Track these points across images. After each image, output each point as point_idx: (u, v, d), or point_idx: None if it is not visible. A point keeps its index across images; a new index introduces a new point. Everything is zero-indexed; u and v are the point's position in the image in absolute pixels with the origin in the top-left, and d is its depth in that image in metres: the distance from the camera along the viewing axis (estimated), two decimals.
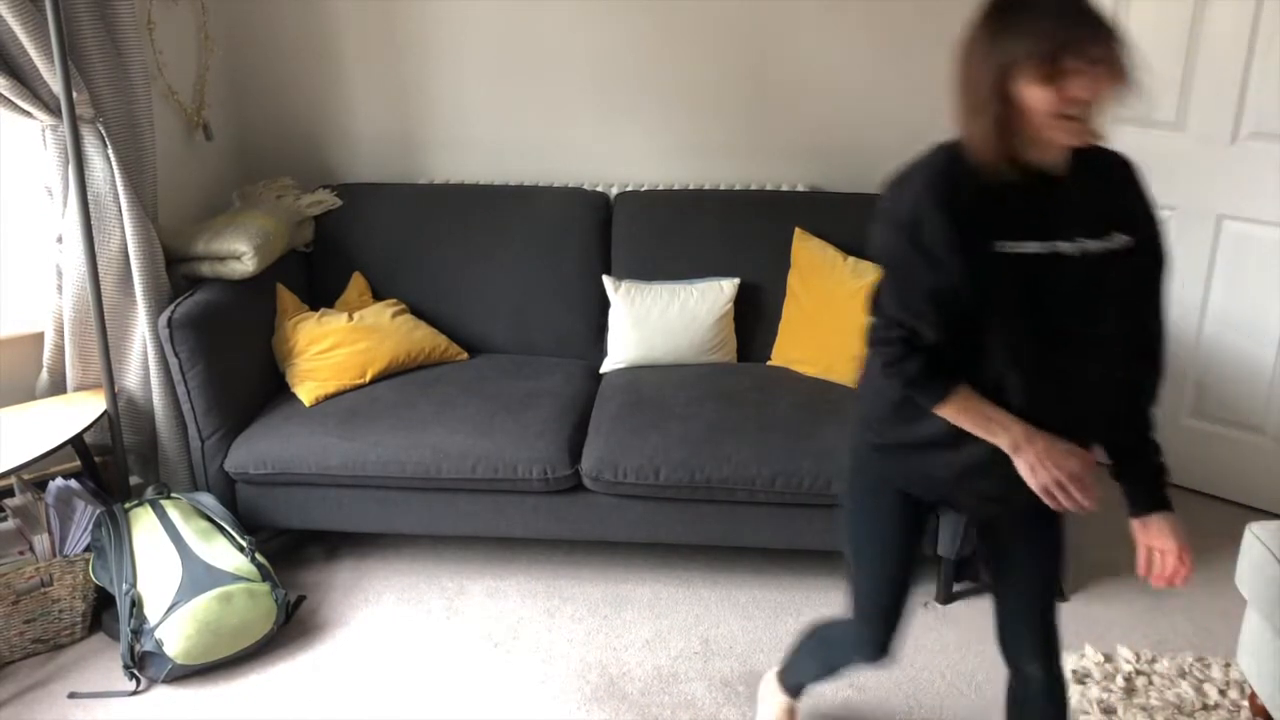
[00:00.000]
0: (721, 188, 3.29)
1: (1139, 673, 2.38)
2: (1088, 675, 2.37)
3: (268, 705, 2.34)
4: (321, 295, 3.12)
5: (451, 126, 3.37)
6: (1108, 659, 2.42)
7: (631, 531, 2.67)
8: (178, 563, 2.42)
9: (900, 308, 1.53)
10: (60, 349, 2.75)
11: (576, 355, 3.09)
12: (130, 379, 2.79)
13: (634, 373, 2.94)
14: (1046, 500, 1.52)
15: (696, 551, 2.84)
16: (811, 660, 2.03)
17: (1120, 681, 2.34)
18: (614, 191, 3.25)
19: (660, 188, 3.29)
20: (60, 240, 2.65)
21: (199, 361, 2.62)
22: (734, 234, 3.07)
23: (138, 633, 2.36)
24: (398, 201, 3.20)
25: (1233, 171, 2.87)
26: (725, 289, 2.97)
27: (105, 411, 2.62)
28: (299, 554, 2.89)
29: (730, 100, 3.27)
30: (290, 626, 2.57)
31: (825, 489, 2.49)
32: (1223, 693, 2.31)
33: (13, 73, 2.45)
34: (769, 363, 3.00)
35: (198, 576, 2.40)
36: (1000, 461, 1.54)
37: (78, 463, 2.69)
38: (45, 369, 2.77)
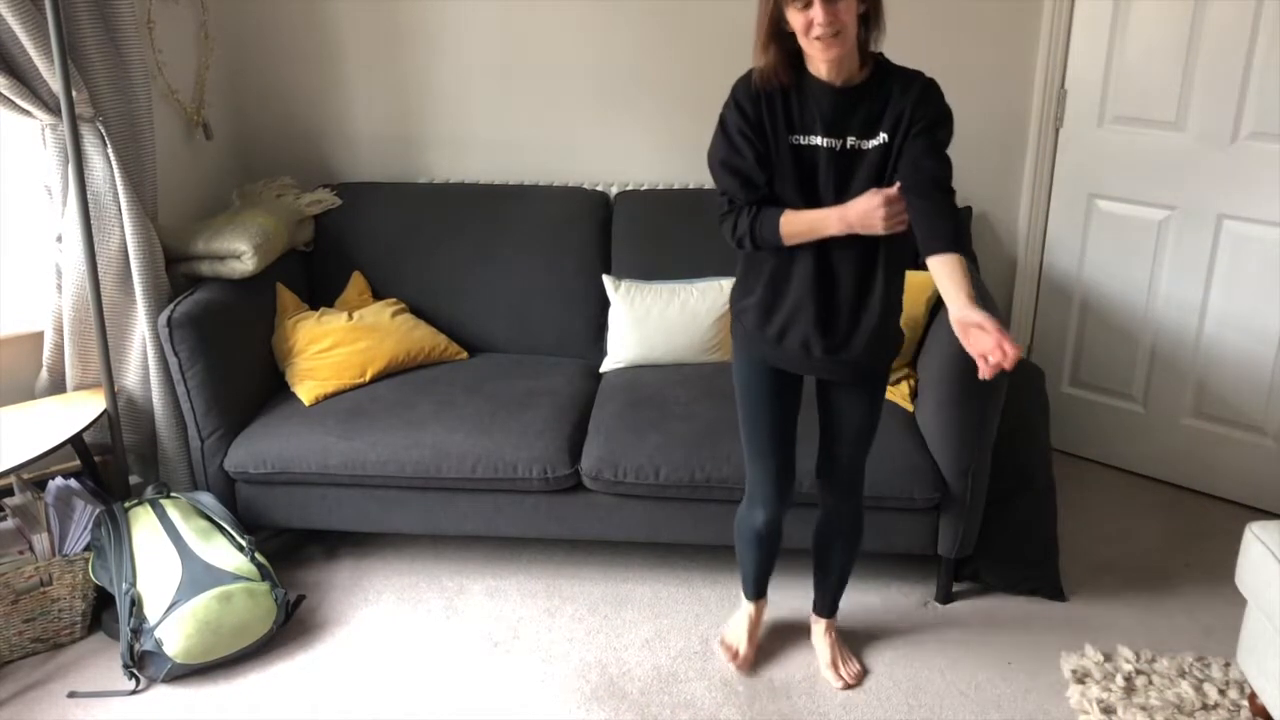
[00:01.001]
0: None
1: (1139, 672, 2.38)
2: (1088, 675, 2.37)
3: (267, 705, 2.34)
4: (321, 294, 3.12)
5: (452, 126, 3.37)
6: (1108, 658, 2.42)
7: (631, 531, 2.67)
8: (177, 562, 2.42)
9: (725, 176, 1.97)
10: (60, 348, 2.75)
11: (576, 355, 3.09)
12: (130, 378, 2.79)
13: (634, 372, 2.94)
14: (897, 228, 1.86)
15: (696, 551, 2.84)
16: (740, 552, 2.40)
17: (1120, 681, 2.34)
18: (614, 191, 3.25)
19: (660, 188, 3.29)
20: (60, 239, 2.65)
21: (199, 361, 2.62)
22: None
23: (137, 632, 2.35)
24: (398, 201, 3.20)
25: (1233, 171, 2.86)
26: (725, 289, 2.97)
27: (105, 411, 2.61)
28: (299, 553, 2.89)
29: None
30: (290, 626, 2.57)
31: None
32: (1223, 693, 2.31)
33: (12, 72, 2.45)
34: None
35: (197, 576, 2.40)
36: (801, 321, 2.00)
37: (77, 462, 2.69)
38: (45, 368, 2.77)
